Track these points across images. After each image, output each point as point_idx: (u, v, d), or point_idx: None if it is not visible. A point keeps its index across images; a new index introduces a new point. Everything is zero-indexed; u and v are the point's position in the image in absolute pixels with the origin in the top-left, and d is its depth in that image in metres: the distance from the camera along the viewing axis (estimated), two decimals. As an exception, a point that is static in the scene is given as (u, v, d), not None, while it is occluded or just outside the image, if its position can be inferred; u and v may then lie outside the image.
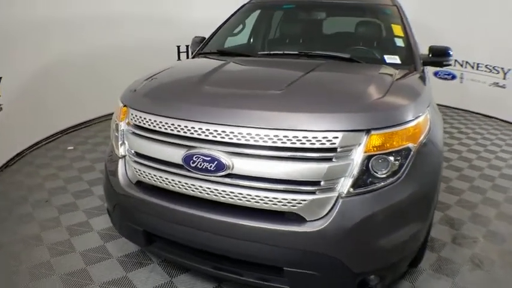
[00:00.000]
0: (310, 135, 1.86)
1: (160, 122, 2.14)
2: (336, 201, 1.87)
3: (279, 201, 1.89)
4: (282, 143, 1.87)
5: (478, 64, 6.98)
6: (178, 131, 2.08)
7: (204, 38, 3.81)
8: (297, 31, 3.98)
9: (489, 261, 2.80)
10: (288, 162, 1.88)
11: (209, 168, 1.97)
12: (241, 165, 1.94)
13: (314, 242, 1.87)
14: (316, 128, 1.87)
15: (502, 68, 6.61)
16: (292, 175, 1.88)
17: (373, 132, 1.89)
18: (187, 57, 7.10)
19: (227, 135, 1.95)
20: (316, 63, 2.75)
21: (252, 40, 4.13)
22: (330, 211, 1.86)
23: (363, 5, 3.92)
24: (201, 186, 2.04)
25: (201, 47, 3.62)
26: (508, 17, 6.31)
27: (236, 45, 3.94)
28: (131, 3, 6.14)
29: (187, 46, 7.05)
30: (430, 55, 3.19)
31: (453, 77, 7.28)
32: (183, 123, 2.06)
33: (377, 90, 2.20)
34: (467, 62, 7.06)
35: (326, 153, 1.87)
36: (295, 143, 1.86)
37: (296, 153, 1.88)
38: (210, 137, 1.98)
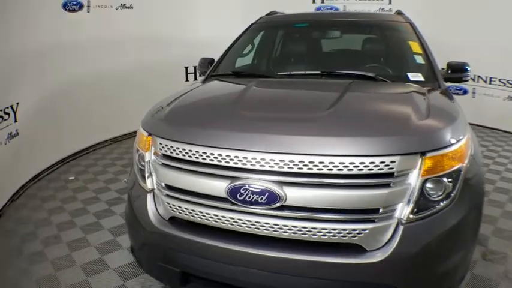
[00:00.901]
0: (367, 160, 1.78)
1: (197, 152, 1.99)
2: (396, 229, 1.81)
3: (338, 233, 1.80)
4: (338, 170, 1.78)
5: (491, 78, 6.89)
6: (219, 161, 1.93)
7: (213, 59, 3.75)
8: (311, 50, 3.94)
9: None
10: (345, 190, 1.80)
11: (259, 200, 1.84)
12: (294, 195, 1.81)
13: (377, 273, 1.80)
14: (373, 153, 1.79)
15: (508, 81, 6.56)
16: (350, 204, 1.80)
17: (428, 154, 1.84)
18: (195, 79, 7.27)
19: (276, 163, 1.82)
20: (345, 84, 2.67)
21: (262, 61, 4.01)
22: (390, 239, 1.80)
23: (377, 22, 3.93)
24: (249, 221, 1.90)
25: (213, 68, 3.54)
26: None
27: (249, 66, 3.88)
28: (137, 25, 6.17)
29: (195, 67, 7.16)
30: (449, 71, 3.19)
31: (465, 92, 7.16)
32: (224, 153, 1.92)
33: (420, 110, 2.14)
34: (479, 77, 6.93)
35: (384, 179, 1.80)
36: (352, 170, 1.77)
37: (353, 180, 1.80)
38: (257, 167, 1.85)
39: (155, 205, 2.19)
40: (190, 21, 7.14)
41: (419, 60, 3.34)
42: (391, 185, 1.81)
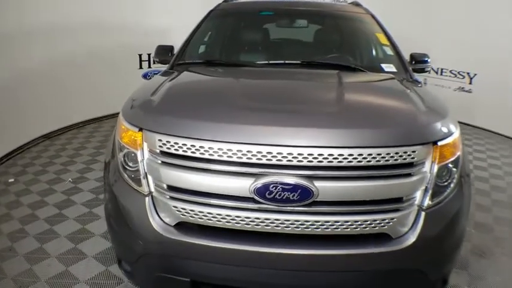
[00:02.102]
0: (393, 150, 1.82)
1: (211, 149, 1.82)
2: (417, 215, 1.90)
3: (369, 224, 1.83)
4: (367, 161, 1.80)
5: (442, 69, 7.17)
6: (240, 158, 1.80)
7: (171, 47, 3.62)
8: (282, 39, 3.95)
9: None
10: (373, 182, 1.82)
11: (292, 198, 1.77)
12: (326, 190, 1.78)
13: (404, 259, 1.88)
14: (398, 143, 1.84)
15: (468, 73, 6.78)
16: (379, 194, 1.84)
17: (439, 143, 1.94)
18: (149, 66, 7.30)
19: (305, 157, 1.76)
20: (333, 74, 2.76)
21: (232, 49, 3.83)
22: (413, 226, 1.88)
23: (342, 13, 3.96)
24: (277, 220, 1.82)
25: (177, 56, 3.38)
26: (473, 21, 6.47)
27: (219, 54, 3.73)
28: (86, 11, 6.01)
29: (149, 55, 7.15)
30: (413, 62, 3.37)
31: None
32: (245, 148, 1.79)
33: (421, 101, 2.25)
34: (431, 68, 6.94)
35: (407, 169, 1.87)
36: (379, 161, 1.81)
37: (381, 171, 1.83)
38: (284, 162, 1.77)
39: (156, 210, 1.98)
40: (144, 7, 6.95)
41: (389, 51, 3.46)
42: (412, 174, 1.88)
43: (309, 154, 1.77)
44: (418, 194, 1.91)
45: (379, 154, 1.80)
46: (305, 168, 1.79)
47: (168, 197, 1.96)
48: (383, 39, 3.58)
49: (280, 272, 1.88)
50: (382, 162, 1.82)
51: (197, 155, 1.87)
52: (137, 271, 2.16)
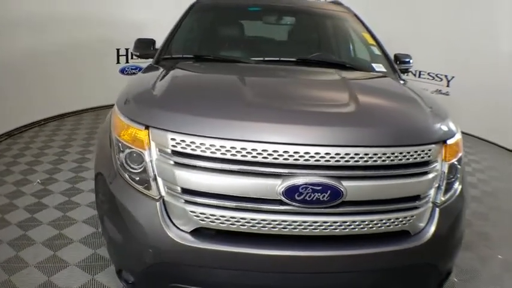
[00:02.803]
0: (413, 149, 1.86)
1: (233, 148, 1.74)
2: (432, 212, 1.96)
3: (392, 222, 1.87)
4: (390, 160, 1.82)
5: (420, 72, 7.21)
6: (265, 158, 1.73)
7: (153, 40, 3.48)
8: (271, 36, 3.91)
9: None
10: (396, 180, 1.85)
11: (322, 199, 1.73)
12: (353, 190, 1.77)
13: (422, 254, 1.93)
14: (418, 142, 1.89)
15: (446, 76, 6.85)
16: (401, 192, 1.88)
17: (448, 142, 2.02)
18: (127, 61, 7.24)
19: (332, 157, 1.74)
20: (333, 72, 2.81)
21: (222, 44, 3.71)
22: (428, 222, 1.95)
23: (327, 12, 3.96)
24: (305, 222, 1.77)
25: (162, 50, 3.25)
26: (450, 24, 6.53)
27: (207, 49, 3.59)
28: (63, 4, 5.91)
29: (127, 49, 7.07)
30: (397, 62, 3.47)
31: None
32: (271, 148, 1.73)
33: (424, 100, 2.32)
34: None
35: (424, 167, 1.92)
36: (401, 159, 1.84)
37: (404, 170, 1.87)
38: (312, 161, 1.73)
39: (168, 216, 1.85)
40: (121, 1, 6.79)
41: (376, 51, 3.49)
42: (428, 172, 1.93)
43: (336, 154, 1.75)
44: (432, 191, 1.97)
45: (401, 153, 1.83)
46: (333, 168, 1.77)
47: (183, 201, 1.83)
48: (370, 39, 3.63)
49: (306, 274, 1.85)
50: (403, 161, 1.85)
51: (218, 155, 1.77)
52: (144, 281, 2.01)
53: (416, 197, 1.92)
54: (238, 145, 1.74)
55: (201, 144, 1.77)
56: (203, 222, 1.81)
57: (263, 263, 1.80)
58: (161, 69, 2.68)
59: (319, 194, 1.73)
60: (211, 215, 1.79)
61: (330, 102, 2.18)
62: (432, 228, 1.93)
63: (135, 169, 1.94)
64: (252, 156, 1.74)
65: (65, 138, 5.50)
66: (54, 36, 5.92)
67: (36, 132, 5.66)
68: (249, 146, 1.74)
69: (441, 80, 7.04)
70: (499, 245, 3.46)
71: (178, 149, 1.81)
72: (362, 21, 3.78)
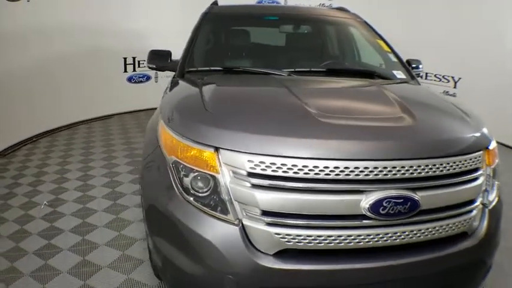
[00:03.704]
0: (470, 157, 1.95)
1: (316, 167, 1.70)
2: (483, 213, 2.05)
3: (456, 225, 1.94)
4: (453, 169, 1.88)
5: (427, 73, 7.14)
6: (347, 175, 1.72)
7: (169, 52, 3.33)
8: (291, 45, 3.81)
9: None
10: (459, 187, 1.92)
11: (403, 210, 1.76)
12: (426, 199, 1.81)
13: (477, 252, 2.00)
14: (474, 150, 1.99)
15: (453, 77, 6.79)
16: (463, 197, 1.95)
17: (489, 147, 2.11)
18: (134, 70, 7.50)
19: (407, 170, 1.77)
20: (369, 83, 2.87)
21: (245, 55, 3.62)
22: (480, 222, 2.03)
23: (341, 20, 3.91)
24: (386, 234, 1.79)
25: (184, 63, 3.11)
26: (456, 26, 6.49)
27: (231, 61, 3.51)
28: (75, 15, 6.09)
29: (134, 58, 7.38)
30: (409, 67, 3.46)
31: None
32: (352, 165, 1.72)
33: (460, 108, 2.38)
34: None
35: (476, 172, 2.00)
36: (461, 167, 1.91)
37: (464, 177, 1.94)
38: (389, 176, 1.75)
39: (249, 240, 1.75)
40: (128, 11, 6.99)
41: (393, 58, 3.46)
42: (478, 176, 2.01)
43: (410, 166, 1.78)
44: (481, 195, 2.06)
45: (460, 161, 1.91)
46: (408, 181, 1.80)
47: (264, 223, 1.74)
48: (385, 46, 3.61)
49: (388, 283, 1.87)
50: (462, 169, 1.92)
51: (300, 175, 1.72)
52: None
53: (473, 201, 2.00)
54: (321, 164, 1.72)
55: (282, 164, 1.72)
56: (289, 243, 1.74)
57: (348, 277, 1.79)
58: (196, 84, 2.57)
59: (401, 206, 1.76)
60: (297, 235, 1.74)
61: (390, 116, 2.14)
62: (484, 228, 2.02)
63: (203, 193, 1.85)
64: (335, 174, 1.72)
65: (61, 155, 5.21)
66: (60, 46, 6.02)
67: (30, 149, 5.34)
68: (332, 164, 1.72)
69: (448, 81, 7.02)
70: None
71: (258, 170, 1.74)
72: (373, 29, 3.75)
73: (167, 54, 3.32)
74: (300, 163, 1.71)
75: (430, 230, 1.88)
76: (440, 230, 1.90)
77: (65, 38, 6.01)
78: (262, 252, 1.74)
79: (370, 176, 1.73)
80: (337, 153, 1.74)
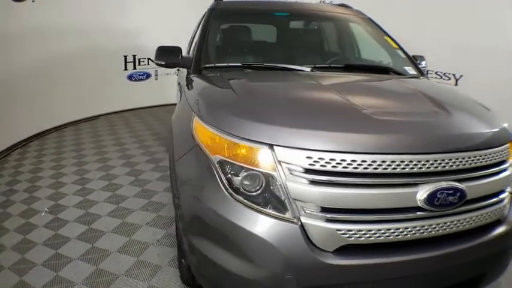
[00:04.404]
0: (501, 149, 2.03)
1: (374, 162, 1.72)
2: (511, 202, 2.12)
3: (493, 213, 2.00)
4: (490, 160, 1.97)
5: (428, 71, 6.92)
6: (403, 168, 1.74)
7: (179, 48, 3.17)
8: (304, 41, 3.78)
9: None
10: (494, 177, 1.99)
11: (453, 201, 1.81)
12: (470, 189, 1.87)
13: (508, 237, 2.06)
14: (504, 142, 2.07)
15: (454, 74, 6.73)
16: (498, 187, 2.03)
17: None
18: (134, 67, 7.69)
19: (454, 162, 1.84)
20: (388, 78, 2.98)
21: (261, 51, 3.58)
22: (509, 210, 2.10)
23: (349, 17, 3.91)
24: (438, 224, 1.84)
25: (199, 60, 3.03)
26: (457, 22, 6.42)
27: (245, 57, 3.43)
28: (68, 15, 6.14)
29: (134, 56, 7.57)
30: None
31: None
32: (407, 158, 1.74)
33: (479, 103, 2.46)
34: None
35: (506, 163, 2.07)
36: (495, 159, 1.99)
37: (498, 167, 2.01)
38: (440, 168, 1.80)
39: (308, 237, 1.71)
40: (127, 10, 7.12)
41: (401, 54, 3.50)
42: (508, 167, 2.09)
43: (456, 158, 1.84)
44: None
45: (495, 153, 2.00)
46: (456, 172, 1.86)
47: (324, 220, 1.72)
48: (393, 43, 3.62)
49: (438, 271, 1.89)
50: (497, 160, 2.00)
51: (359, 170, 1.72)
52: None
53: (503, 190, 2.07)
54: (379, 158, 1.73)
55: (341, 160, 1.71)
56: (351, 239, 1.74)
57: (403, 269, 1.82)
58: (226, 81, 2.51)
59: (452, 197, 1.81)
60: (358, 230, 1.74)
61: (429, 110, 2.17)
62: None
63: (255, 191, 1.80)
64: (392, 168, 1.74)
65: (54, 158, 5.00)
66: (59, 46, 6.10)
67: (21, 154, 5.11)
68: (389, 158, 1.74)
69: (449, 78, 6.91)
70: None
71: (317, 167, 1.71)
72: (379, 26, 3.77)
73: (177, 50, 3.16)
74: (358, 158, 1.71)
75: (473, 218, 1.93)
76: (481, 218, 1.96)
77: (62, 38, 6.09)
78: (321, 249, 1.72)
79: (423, 169, 1.77)
80: (393, 147, 1.76)
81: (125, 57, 7.41)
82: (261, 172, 1.77)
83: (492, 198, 2.01)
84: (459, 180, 1.84)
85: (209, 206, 1.85)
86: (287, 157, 1.74)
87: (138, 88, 7.78)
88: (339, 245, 1.74)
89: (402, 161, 1.74)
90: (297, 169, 1.73)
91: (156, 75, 8.00)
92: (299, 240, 1.70)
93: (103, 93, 7.12)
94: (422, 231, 1.82)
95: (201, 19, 3.86)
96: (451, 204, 1.82)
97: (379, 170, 1.72)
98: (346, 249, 1.75)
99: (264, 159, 1.77)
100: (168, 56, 3.14)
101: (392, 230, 1.76)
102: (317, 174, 1.72)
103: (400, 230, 1.78)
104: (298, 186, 1.72)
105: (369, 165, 1.71)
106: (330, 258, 1.71)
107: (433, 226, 1.83)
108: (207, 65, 2.99)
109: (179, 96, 3.37)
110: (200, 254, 1.92)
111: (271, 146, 1.76)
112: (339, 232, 1.72)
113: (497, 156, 2.00)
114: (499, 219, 2.06)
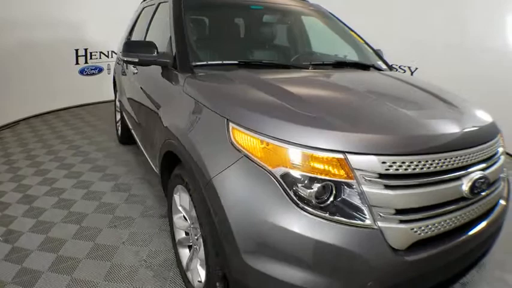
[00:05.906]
0: (497, 139, 2.34)
1: (434, 161, 1.88)
2: (504, 183, 2.45)
3: (498, 194, 2.31)
4: (495, 149, 2.29)
5: (391, 65, 7.12)
6: (452, 164, 1.94)
7: (154, 44, 2.88)
8: (291, 37, 3.91)
9: None
10: (497, 164, 2.28)
11: (484, 187, 2.07)
12: (490, 175, 2.15)
13: (506, 212, 2.38)
14: (497, 132, 2.39)
15: (409, 67, 6.95)
16: (500, 172, 2.33)
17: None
18: (86, 62, 7.54)
19: (480, 153, 2.10)
20: (378, 74, 3.18)
21: (249, 48, 3.51)
22: (508, 191, 2.49)
23: (310, 10, 4.03)
24: (477, 208, 2.10)
25: (188, 56, 2.82)
26: (414, 17, 6.58)
27: (237, 53, 3.30)
28: (24, 7, 6.02)
29: (85, 49, 7.42)
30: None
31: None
32: (455, 154, 1.96)
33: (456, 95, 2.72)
34: None
35: (501, 151, 2.39)
36: (496, 147, 2.31)
37: (498, 155, 2.33)
38: (470, 160, 2.04)
39: (385, 239, 1.76)
40: (78, 2, 6.97)
41: (368, 48, 3.71)
42: (503, 154, 2.41)
43: (480, 150, 2.10)
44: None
45: (495, 142, 2.29)
46: (481, 162, 2.11)
47: (398, 221, 1.80)
48: (357, 37, 3.78)
49: (474, 247, 2.13)
50: (497, 149, 2.30)
51: (424, 170, 1.85)
52: None
53: (501, 174, 2.37)
54: (438, 157, 1.89)
55: (410, 162, 1.81)
56: (421, 235, 1.85)
57: (459, 249, 2.03)
58: (237, 81, 2.49)
59: (484, 184, 2.04)
60: (426, 226, 1.87)
61: (445, 107, 2.43)
62: (506, 193, 2.44)
63: (326, 202, 1.77)
64: (446, 165, 1.92)
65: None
66: (7, 39, 5.94)
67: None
68: (446, 156, 1.92)
69: (404, 71, 7.21)
70: None
71: (391, 171, 1.78)
72: (340, 20, 3.93)
73: (152, 45, 2.87)
74: (423, 159, 1.84)
75: (490, 200, 2.20)
76: (495, 198, 2.27)
77: (11, 31, 5.97)
78: (397, 249, 1.79)
79: (464, 163, 1.99)
80: (448, 145, 1.95)
81: (76, 50, 7.26)
82: (335, 181, 1.76)
83: (498, 182, 2.31)
84: (483, 170, 2.09)
85: (275, 223, 1.76)
86: (362, 164, 1.76)
87: (91, 83, 7.54)
88: (411, 242, 1.82)
89: (452, 158, 1.93)
90: (373, 175, 1.76)
91: (109, 69, 7.66)
92: (382, 245, 1.75)
93: (51, 89, 6.89)
94: (465, 217, 2.03)
95: (141, 10, 3.97)
96: (483, 190, 2.08)
97: (438, 168, 1.89)
98: (413, 245, 1.84)
99: (339, 168, 1.76)
100: (141, 52, 2.85)
101: (447, 220, 1.95)
102: (391, 179, 1.78)
103: (453, 219, 1.97)
104: (375, 192, 1.75)
105: (431, 164, 1.86)
106: (405, 256, 1.79)
107: (472, 211, 2.07)
108: (197, 63, 2.81)
109: (139, 96, 3.40)
110: (260, 273, 1.81)
111: (344, 153, 1.75)
112: (412, 230, 1.81)
113: (496, 145, 2.30)
114: (500, 197, 2.36)
